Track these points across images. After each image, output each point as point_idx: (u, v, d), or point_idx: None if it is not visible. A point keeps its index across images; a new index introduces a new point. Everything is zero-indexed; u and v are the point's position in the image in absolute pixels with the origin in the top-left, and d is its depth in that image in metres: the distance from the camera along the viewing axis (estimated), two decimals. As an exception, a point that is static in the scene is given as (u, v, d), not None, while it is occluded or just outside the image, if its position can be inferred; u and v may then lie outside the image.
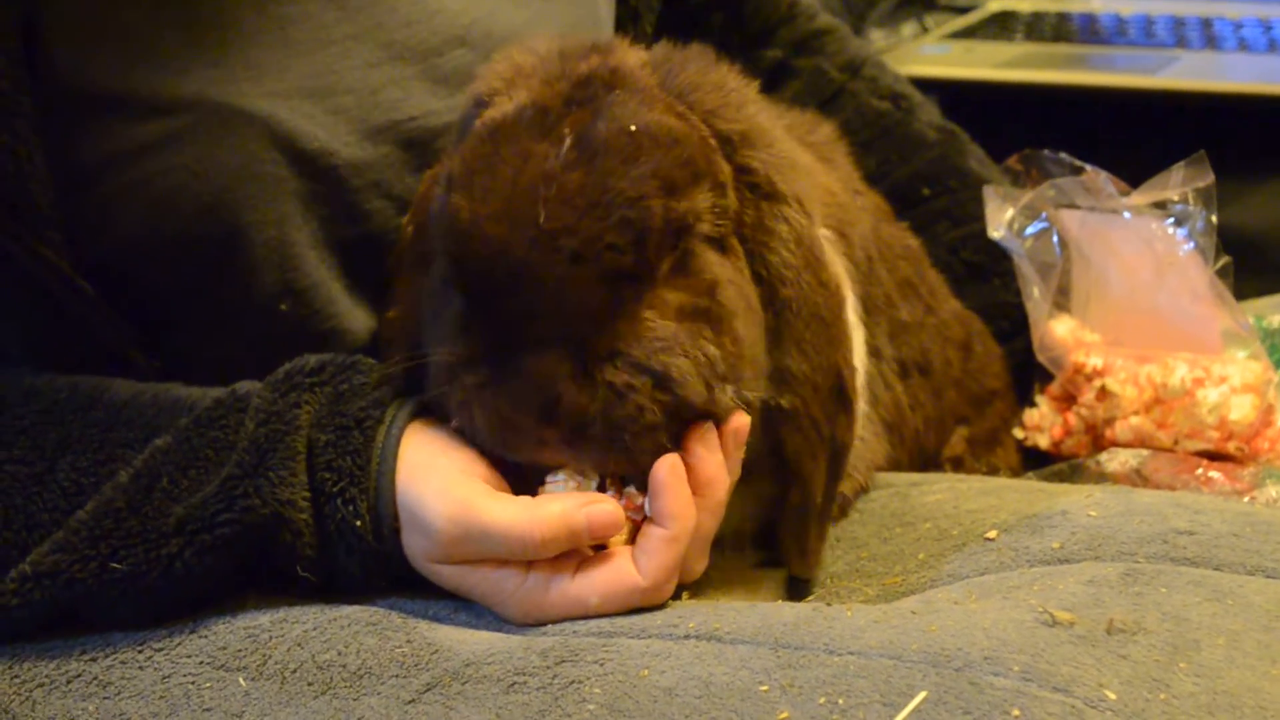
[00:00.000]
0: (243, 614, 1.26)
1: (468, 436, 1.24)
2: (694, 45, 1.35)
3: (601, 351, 1.17)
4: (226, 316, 1.41)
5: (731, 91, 1.32)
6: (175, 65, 1.36)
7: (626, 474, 1.24)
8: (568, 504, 1.19)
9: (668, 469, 1.20)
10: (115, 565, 1.22)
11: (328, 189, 1.41)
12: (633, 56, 1.31)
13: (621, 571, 1.21)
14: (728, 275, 1.25)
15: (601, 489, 1.24)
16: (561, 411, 1.17)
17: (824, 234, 1.36)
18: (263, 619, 1.25)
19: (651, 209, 1.18)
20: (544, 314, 1.16)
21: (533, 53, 1.32)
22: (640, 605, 1.21)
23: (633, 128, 1.20)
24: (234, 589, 1.28)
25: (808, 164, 1.42)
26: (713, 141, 1.27)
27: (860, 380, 1.37)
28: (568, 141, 1.19)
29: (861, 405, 1.37)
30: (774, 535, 1.39)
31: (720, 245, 1.26)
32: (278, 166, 1.38)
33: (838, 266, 1.36)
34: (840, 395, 1.32)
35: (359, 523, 1.23)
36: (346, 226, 1.44)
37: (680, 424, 1.21)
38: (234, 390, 1.29)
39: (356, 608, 1.25)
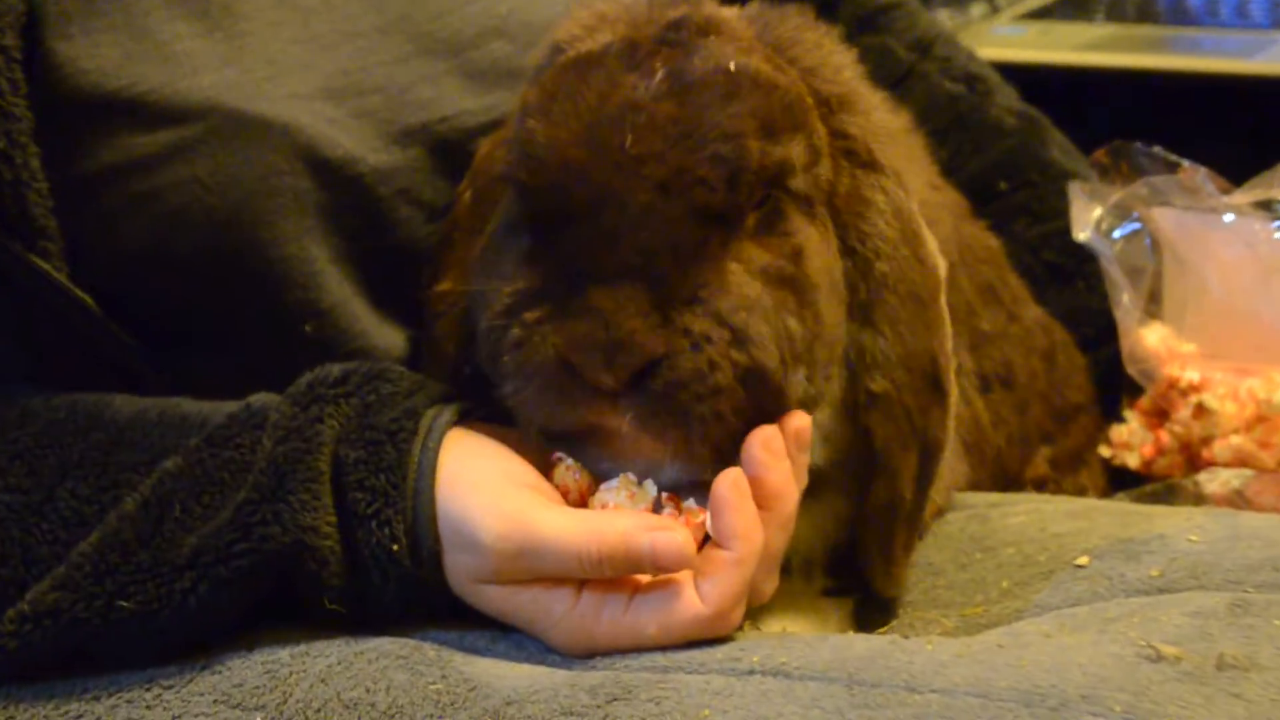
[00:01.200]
0: (260, 648, 1.25)
1: (520, 394, 1.23)
2: (791, 4, 1.36)
3: (682, 294, 1.16)
4: (243, 337, 1.41)
5: (831, 52, 1.34)
6: (188, 64, 1.37)
7: (678, 456, 1.21)
8: (632, 524, 1.18)
9: (730, 484, 1.19)
10: (123, 604, 1.21)
11: (352, 200, 1.42)
12: (726, 10, 1.32)
13: (682, 598, 1.20)
14: (814, 244, 1.25)
15: (658, 504, 1.23)
16: (628, 353, 1.15)
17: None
18: (282, 653, 1.24)
19: (748, 147, 1.19)
20: (621, 244, 1.16)
21: (617, 3, 1.33)
22: (703, 636, 1.20)
23: (731, 66, 1.21)
24: (250, 621, 1.27)
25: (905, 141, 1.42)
26: (809, 100, 1.28)
27: (953, 370, 1.36)
28: (660, 74, 1.20)
29: (954, 402, 1.37)
30: (843, 560, 1.39)
31: (809, 210, 1.26)
32: (298, 178, 1.38)
33: (935, 247, 1.36)
34: (935, 385, 1.32)
35: (396, 547, 1.23)
36: (371, 238, 1.44)
37: (743, 407, 1.20)
38: (249, 405, 1.29)
39: (385, 640, 1.25)
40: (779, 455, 1.21)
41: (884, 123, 1.35)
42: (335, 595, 1.24)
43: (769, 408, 1.21)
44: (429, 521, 1.23)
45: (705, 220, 1.17)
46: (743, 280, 1.19)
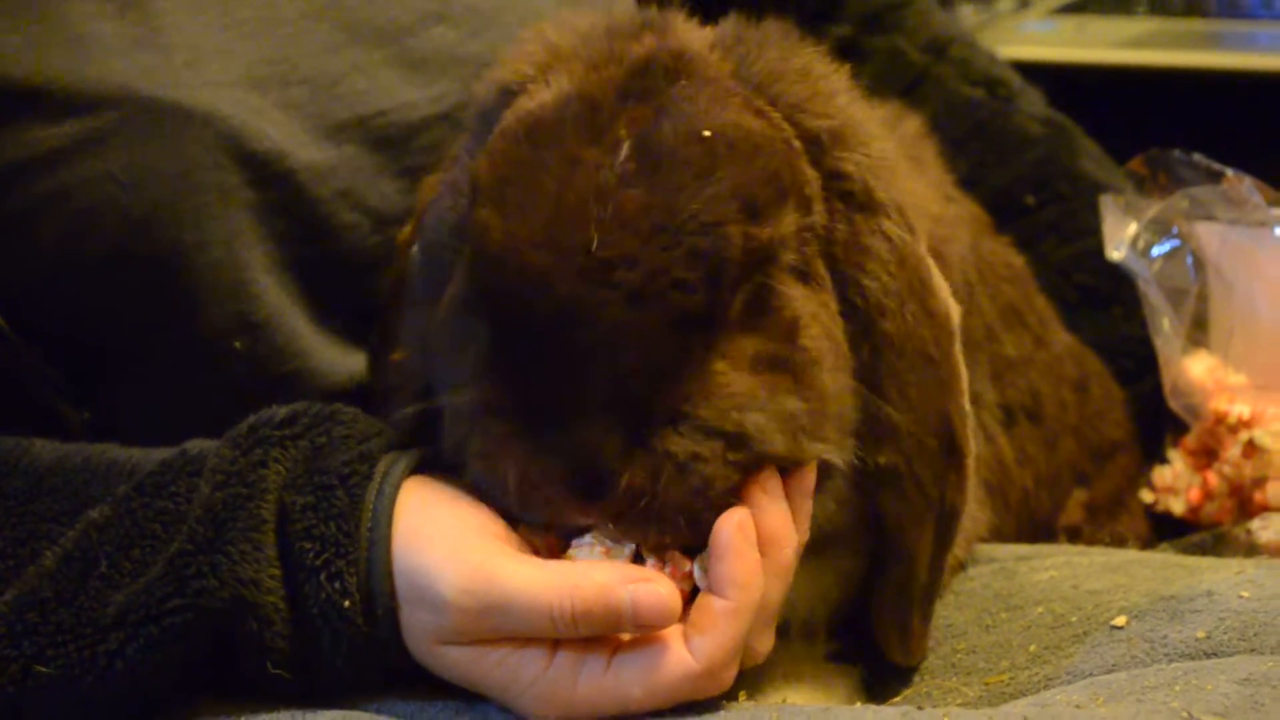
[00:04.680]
0: (196, 723, 1.25)
1: (486, 493, 1.24)
2: (770, 22, 1.34)
3: (662, 414, 1.16)
4: (167, 358, 1.42)
5: (820, 80, 1.32)
6: (98, 47, 1.38)
7: (688, 545, 1.22)
8: (610, 576, 1.18)
9: (734, 526, 1.19)
10: (40, 669, 1.21)
11: (285, 199, 1.43)
12: (696, 36, 1.31)
13: (670, 654, 1.19)
14: (811, 310, 1.25)
15: (639, 556, 1.23)
16: (609, 491, 1.16)
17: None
18: (219, 729, 1.24)
19: (729, 237, 1.17)
20: (593, 368, 1.16)
21: (571, 30, 1.32)
22: (693, 697, 1.20)
23: (706, 133, 1.19)
24: (186, 693, 1.27)
25: (910, 189, 1.41)
26: (797, 144, 1.27)
27: (970, 427, 1.36)
28: (625, 148, 1.18)
29: (971, 463, 1.37)
30: (850, 622, 1.39)
31: (804, 274, 1.26)
32: (224, 173, 1.39)
33: (946, 292, 1.36)
34: (950, 449, 1.32)
35: (347, 603, 1.22)
36: (310, 245, 1.45)
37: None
38: (184, 450, 1.29)
39: (336, 713, 1.24)
40: (775, 495, 1.21)
41: (884, 153, 1.33)
42: (279, 659, 1.24)
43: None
44: (384, 575, 1.23)
45: (684, 327, 1.17)
46: (730, 379, 1.19)
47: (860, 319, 1.29)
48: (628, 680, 1.19)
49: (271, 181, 1.41)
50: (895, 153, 1.39)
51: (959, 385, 1.34)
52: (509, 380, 1.19)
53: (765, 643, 1.25)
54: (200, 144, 1.38)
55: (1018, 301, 1.72)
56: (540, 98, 1.25)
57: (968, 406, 1.35)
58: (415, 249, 1.40)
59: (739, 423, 1.18)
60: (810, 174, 1.27)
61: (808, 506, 1.25)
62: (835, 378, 1.25)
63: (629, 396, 1.16)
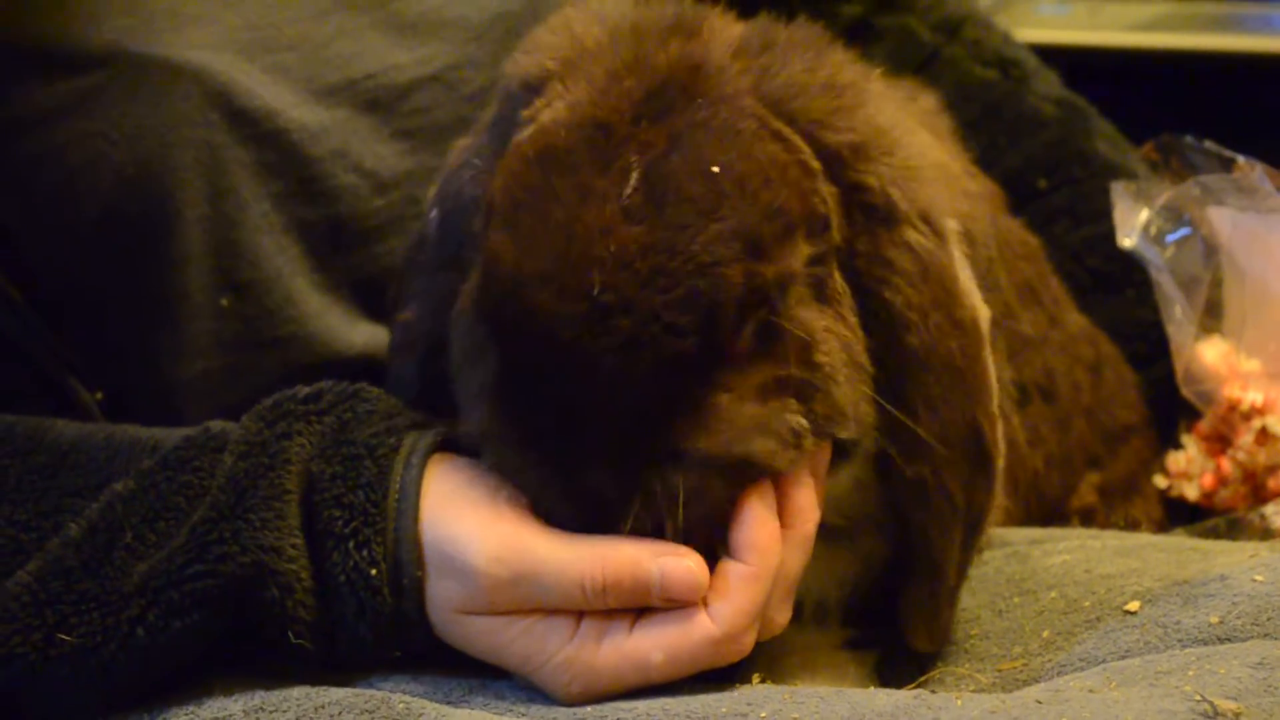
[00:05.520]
0: (209, 700, 1.25)
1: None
2: (800, 24, 1.33)
3: (660, 455, 1.17)
4: (160, 317, 1.43)
5: (845, 91, 1.29)
6: (84, 11, 1.38)
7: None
8: (639, 549, 1.19)
9: (755, 494, 1.21)
10: (63, 636, 1.21)
11: (280, 158, 1.44)
12: (722, 42, 1.29)
13: (691, 619, 1.21)
14: (825, 326, 1.24)
15: None
16: (620, 529, 1.18)
17: (952, 226, 1.34)
18: (234, 707, 1.24)
19: (727, 278, 1.17)
20: (590, 413, 1.16)
21: (600, 24, 1.31)
22: (713, 663, 1.21)
23: (714, 169, 1.19)
24: (208, 666, 1.27)
25: (939, 161, 1.40)
26: (815, 164, 1.25)
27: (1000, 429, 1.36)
28: (633, 178, 1.18)
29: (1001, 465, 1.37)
30: (866, 608, 1.40)
31: (819, 293, 1.25)
32: (212, 130, 1.40)
33: (975, 296, 1.34)
34: (979, 458, 1.32)
35: (374, 571, 1.23)
36: (309, 207, 1.46)
37: None
38: (207, 428, 1.30)
39: (349, 691, 1.24)
40: (799, 468, 1.23)
41: (911, 158, 1.31)
42: (301, 629, 1.25)
43: None
44: (412, 545, 1.24)
45: (679, 368, 1.17)
46: (733, 411, 1.19)
47: (884, 333, 1.28)
48: (649, 646, 1.21)
49: (264, 140, 1.42)
50: (928, 149, 1.37)
51: (987, 390, 1.33)
52: (514, 415, 1.21)
53: (784, 614, 1.26)
54: (188, 100, 1.39)
55: (1033, 280, 1.71)
56: (556, 111, 1.24)
57: (995, 409, 1.34)
58: (434, 213, 1.40)
59: (744, 452, 1.18)
60: (827, 191, 1.26)
61: (823, 487, 1.26)
62: (851, 389, 1.25)
63: (626, 440, 1.16)
